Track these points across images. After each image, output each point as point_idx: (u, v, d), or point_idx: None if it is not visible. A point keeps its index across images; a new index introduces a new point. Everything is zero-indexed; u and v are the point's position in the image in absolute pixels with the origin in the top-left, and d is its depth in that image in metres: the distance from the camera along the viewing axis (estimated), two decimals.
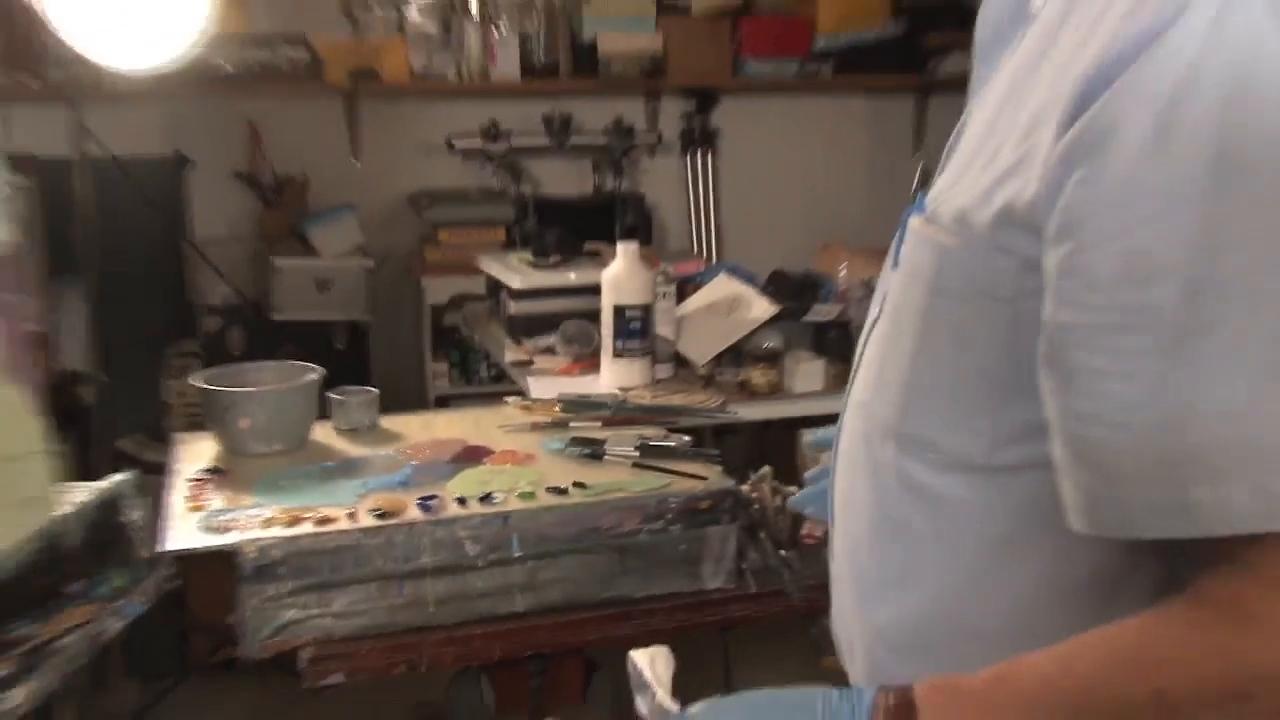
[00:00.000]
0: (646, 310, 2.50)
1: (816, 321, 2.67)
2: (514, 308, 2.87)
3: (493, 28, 3.79)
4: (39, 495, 1.29)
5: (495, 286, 3.11)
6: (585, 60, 3.91)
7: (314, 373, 2.01)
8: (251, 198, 3.71)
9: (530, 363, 2.69)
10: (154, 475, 1.79)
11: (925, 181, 1.12)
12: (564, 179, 4.12)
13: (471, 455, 1.93)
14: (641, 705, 0.99)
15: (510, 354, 2.76)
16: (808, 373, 2.54)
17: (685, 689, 0.99)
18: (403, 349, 3.83)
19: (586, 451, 1.93)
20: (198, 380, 1.94)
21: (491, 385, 3.76)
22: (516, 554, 1.67)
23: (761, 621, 1.82)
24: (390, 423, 2.12)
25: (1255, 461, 0.77)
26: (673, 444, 1.96)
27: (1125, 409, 0.79)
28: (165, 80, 2.22)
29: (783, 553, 1.84)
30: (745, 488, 1.87)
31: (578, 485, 1.77)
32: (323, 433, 2.05)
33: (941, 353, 0.95)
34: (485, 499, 1.72)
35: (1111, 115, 0.78)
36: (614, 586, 1.72)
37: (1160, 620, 0.83)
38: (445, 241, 3.73)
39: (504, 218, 3.82)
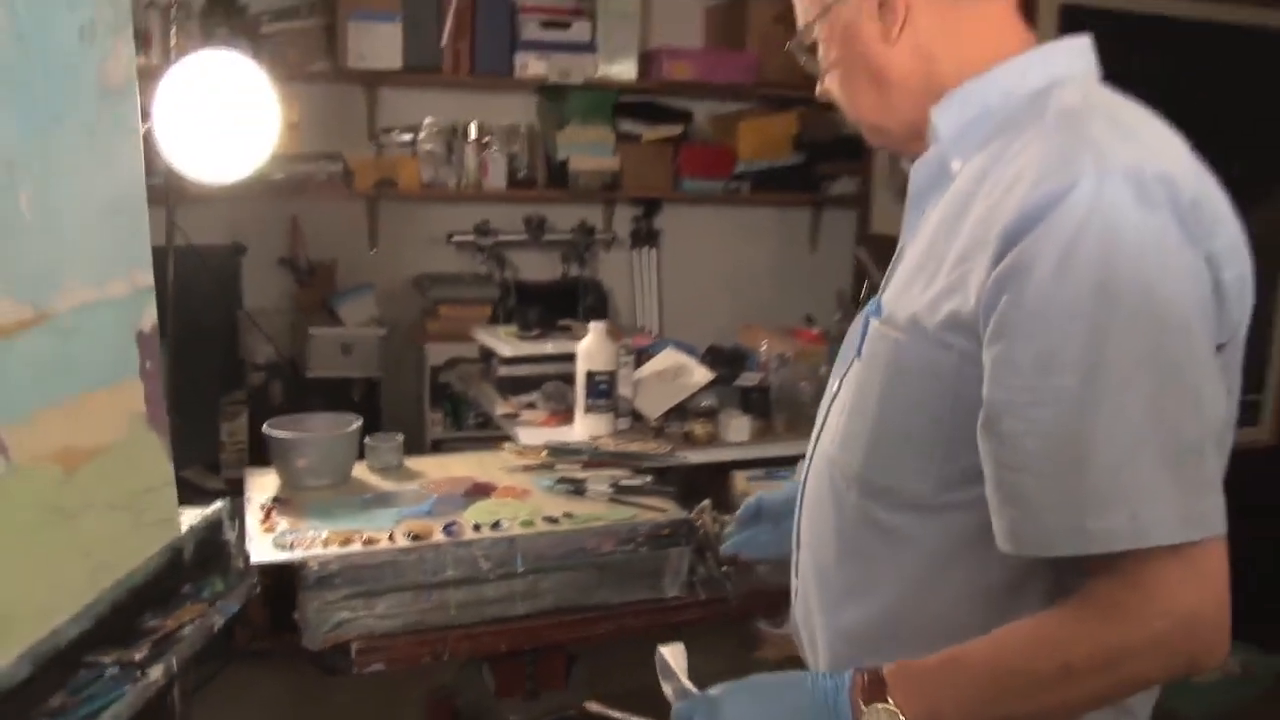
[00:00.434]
0: (612, 375, 2.56)
1: (743, 386, 2.75)
2: (503, 371, 2.93)
3: (486, 149, 3.87)
4: (168, 518, 1.33)
5: (487, 353, 3.15)
6: (558, 174, 3.97)
7: (355, 422, 2.06)
8: (290, 278, 3.75)
9: (517, 415, 2.73)
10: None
11: (871, 293, 1.21)
12: (538, 267, 4.16)
13: (480, 490, 1.98)
14: (667, 689, 1.03)
15: (500, 409, 2.81)
16: (737, 427, 2.61)
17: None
18: (406, 400, 3.85)
19: (571, 488, 1.99)
20: (268, 429, 1.99)
21: (477, 431, 3.78)
22: (520, 569, 1.73)
23: (707, 622, 1.88)
24: (412, 463, 2.16)
25: (1130, 499, 0.87)
26: (638, 483, 2.03)
27: (1040, 461, 0.89)
28: (232, 186, 2.27)
29: (724, 569, 1.91)
30: (692, 516, 1.94)
31: (567, 515, 1.83)
32: (360, 470, 2.08)
33: (898, 420, 1.03)
34: (495, 525, 1.77)
35: (1028, 256, 0.89)
36: (595, 595, 1.78)
37: (1063, 615, 0.92)
38: (444, 315, 3.77)
39: (491, 297, 3.87)
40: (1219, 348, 0.95)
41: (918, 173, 1.12)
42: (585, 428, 2.54)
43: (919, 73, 1.09)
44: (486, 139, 3.85)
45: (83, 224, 1.18)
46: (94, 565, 1.18)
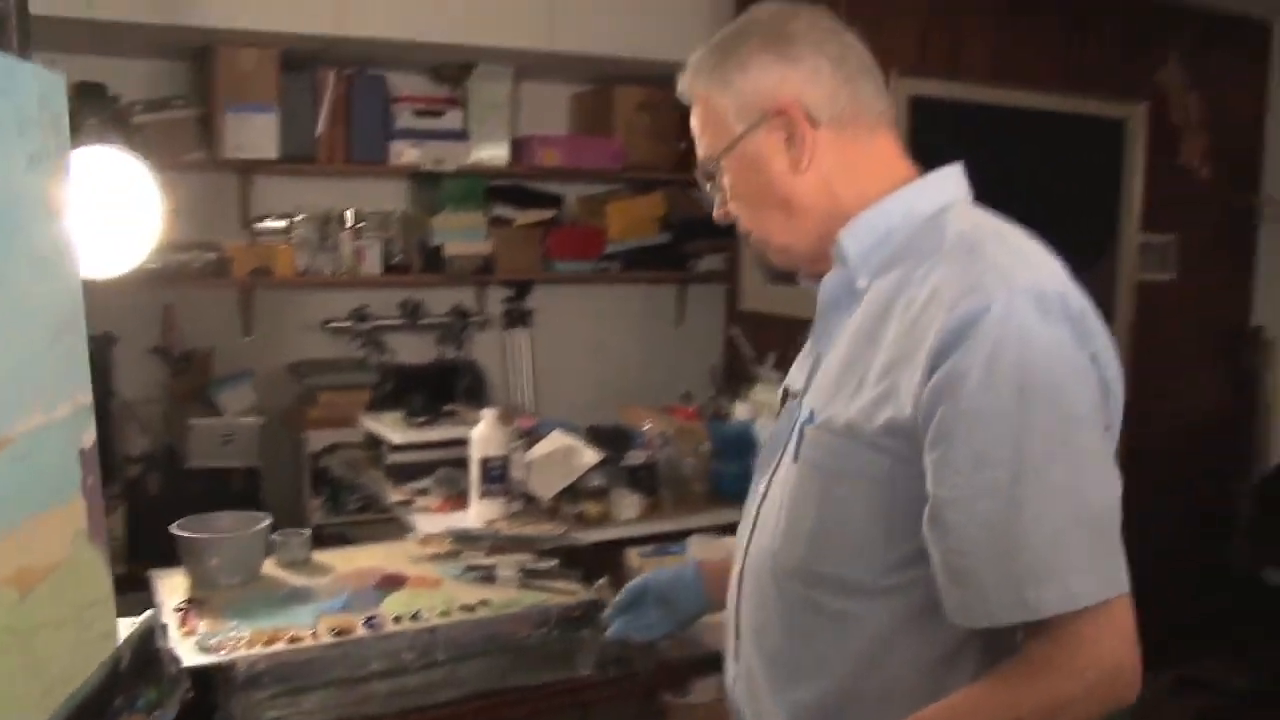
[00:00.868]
0: (505, 460, 2.64)
1: (630, 465, 2.86)
2: (392, 458, 2.97)
3: (361, 235, 3.91)
4: (110, 630, 1.35)
5: (373, 439, 3.19)
6: (433, 259, 4.02)
7: (265, 520, 2.07)
8: (164, 367, 3.69)
9: (411, 502, 2.78)
10: None
11: (784, 397, 1.33)
12: (414, 350, 4.18)
13: (392, 582, 2.00)
14: None
15: (393, 495, 2.84)
16: (628, 505, 2.71)
17: None
18: (285, 488, 3.81)
19: (481, 576, 2.04)
20: (177, 530, 1.98)
21: (358, 516, 3.77)
22: (441, 658, 1.76)
23: (617, 700, 1.94)
24: (319, 556, 2.18)
25: (1060, 571, 1.01)
26: (545, 567, 2.10)
27: (982, 547, 1.02)
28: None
29: (627, 645, 1.98)
30: (600, 597, 2.01)
31: (483, 603, 1.88)
32: (268, 566, 2.09)
33: (839, 516, 1.14)
34: (414, 617, 1.81)
35: (958, 371, 1.03)
36: (512, 678, 1.82)
37: (1008, 676, 1.05)
38: (323, 401, 3.75)
39: (369, 382, 3.86)
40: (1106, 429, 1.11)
41: (826, 288, 1.25)
42: (481, 512, 2.60)
43: (823, 199, 1.23)
44: (361, 225, 3.88)
45: (35, 350, 1.22)
46: (45, 685, 1.20)
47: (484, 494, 2.61)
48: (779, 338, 3.57)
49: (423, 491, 2.82)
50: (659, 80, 4.21)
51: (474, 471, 2.61)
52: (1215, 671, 3.60)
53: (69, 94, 1.33)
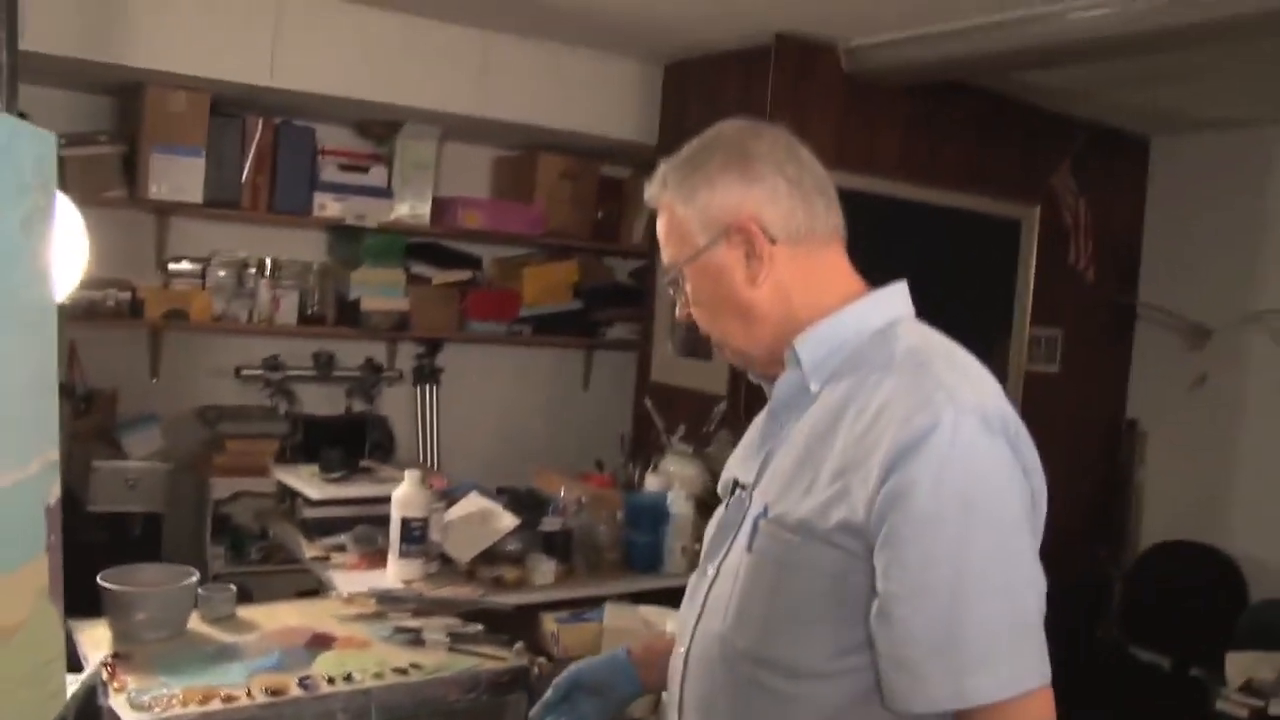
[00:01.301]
0: (425, 521, 2.66)
1: (546, 531, 2.89)
2: (309, 513, 2.95)
3: (278, 284, 3.90)
4: (60, 688, 1.35)
5: (287, 493, 3.16)
6: (348, 312, 4.04)
7: (193, 574, 2.06)
8: (66, 405, 3.60)
9: (328, 559, 2.76)
10: None
11: (733, 487, 1.40)
12: (322, 401, 4.16)
13: (321, 641, 2.01)
14: None
15: (309, 551, 2.83)
16: (544, 570, 2.74)
17: None
18: (186, 534, 3.75)
19: (410, 638, 2.07)
20: (103, 582, 1.96)
21: (258, 566, 3.74)
22: None
23: None
24: (243, 612, 2.17)
25: (995, 663, 1.10)
26: (471, 631, 2.13)
27: (926, 639, 1.11)
28: None
29: None
30: (527, 663, 2.04)
31: (415, 666, 1.91)
32: (193, 621, 2.08)
33: (790, 605, 1.21)
34: (348, 678, 1.83)
35: (908, 481, 1.12)
36: None
37: None
38: (230, 449, 3.72)
39: (279, 432, 3.84)
40: None
41: (780, 389, 1.34)
42: (399, 572, 2.61)
43: (779, 309, 1.32)
44: (279, 274, 3.88)
45: (15, 407, 1.23)
46: None
47: (403, 554, 2.61)
48: (688, 410, 3.67)
49: (339, 548, 2.81)
50: (582, 150, 4.34)
51: (394, 531, 2.62)
52: None
53: None
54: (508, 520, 2.82)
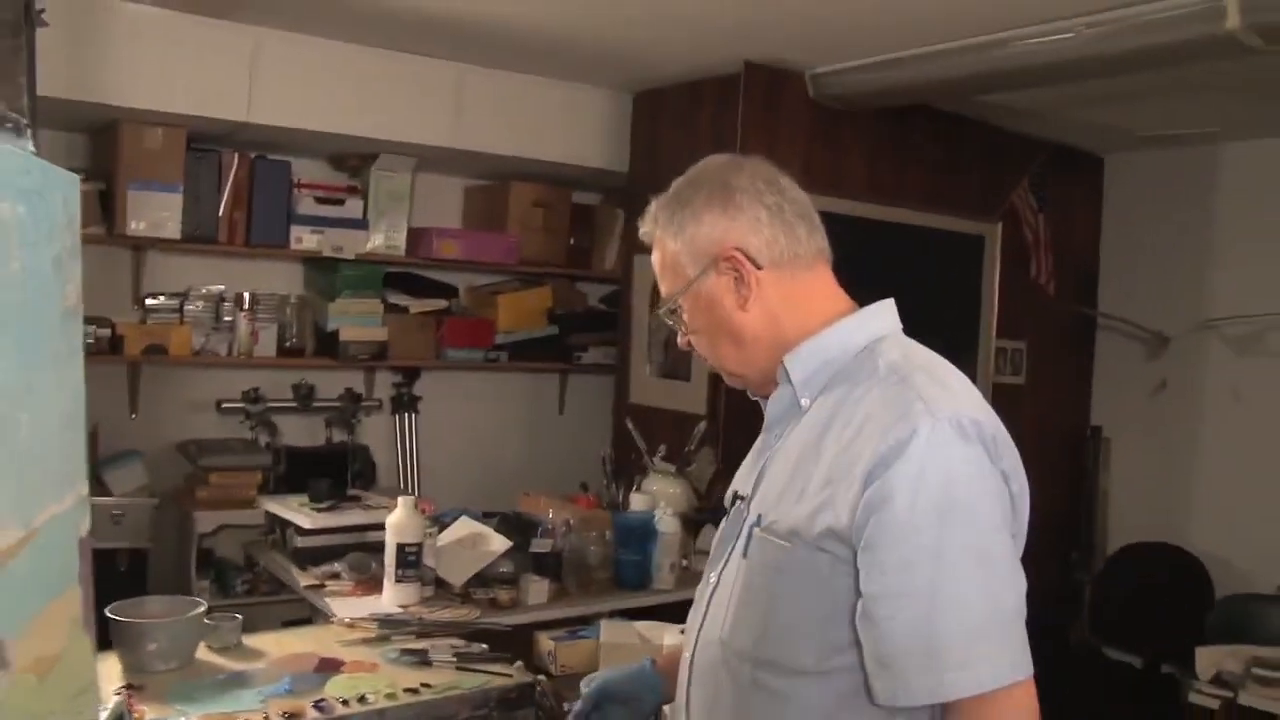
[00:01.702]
0: (420, 547, 2.69)
1: (537, 552, 2.94)
2: (300, 542, 2.97)
3: (257, 317, 3.92)
4: (94, 717, 1.37)
5: (276, 524, 3.18)
6: (326, 342, 4.06)
7: (200, 604, 2.09)
8: None
9: (323, 586, 2.78)
10: None
11: (733, 499, 1.46)
12: (302, 432, 4.18)
13: (330, 666, 2.05)
14: None
15: (302, 580, 2.85)
16: (536, 590, 2.78)
17: None
18: (171, 569, 3.74)
19: (416, 659, 2.11)
20: (112, 614, 1.98)
21: (244, 598, 3.73)
22: None
23: None
24: (249, 640, 2.20)
25: (972, 660, 1.16)
26: (476, 650, 2.17)
27: (906, 638, 1.18)
28: None
29: None
30: (534, 680, 2.08)
31: (425, 685, 1.95)
32: (201, 651, 2.10)
33: (784, 608, 1.28)
34: (361, 700, 1.87)
35: (888, 489, 1.19)
36: None
37: None
38: (214, 482, 3.72)
39: (262, 464, 3.84)
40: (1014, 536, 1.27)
41: (774, 405, 1.42)
42: (395, 597, 2.64)
43: (769, 331, 1.39)
44: (257, 307, 3.90)
45: (51, 443, 1.26)
46: None
47: (399, 579, 2.64)
48: (668, 430, 3.73)
49: (333, 575, 2.83)
50: (554, 178, 4.40)
51: (390, 557, 2.65)
52: None
53: None
54: (499, 543, 2.87)
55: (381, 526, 2.76)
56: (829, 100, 3.81)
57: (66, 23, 3.14)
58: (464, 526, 2.96)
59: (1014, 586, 1.21)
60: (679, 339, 1.48)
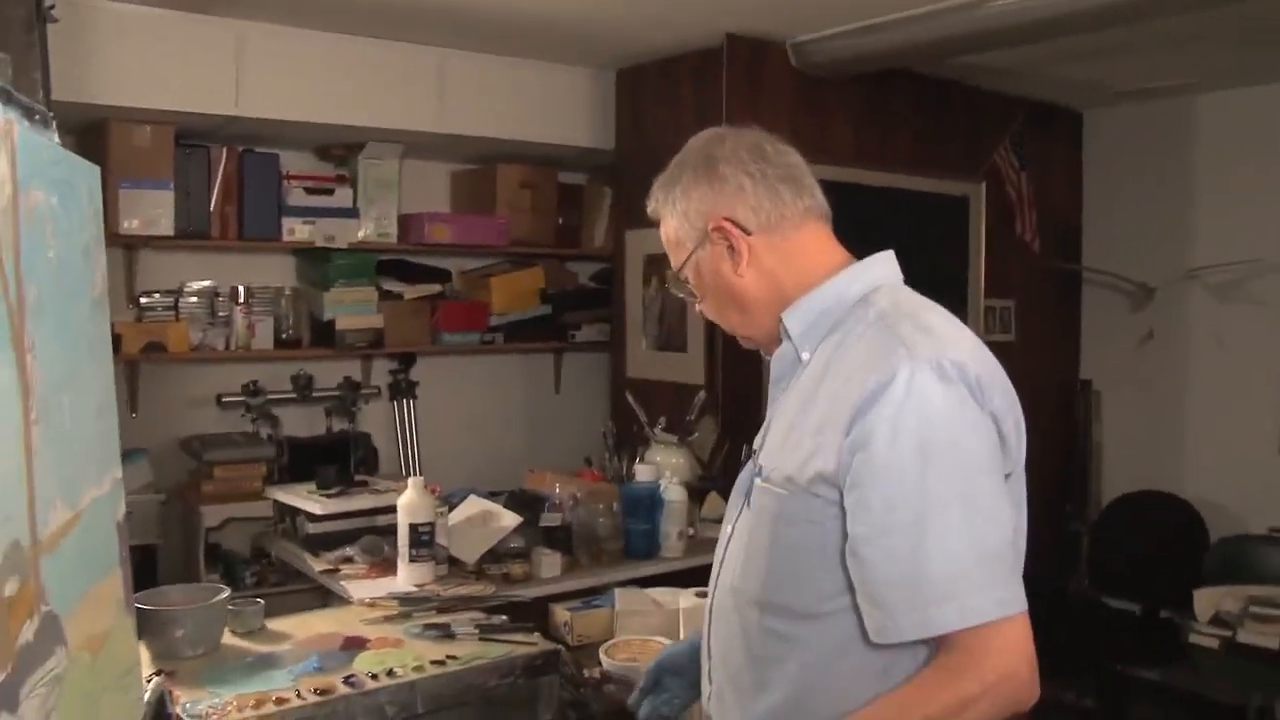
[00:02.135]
0: (432, 526, 2.72)
1: (547, 526, 2.97)
2: (312, 529, 3.00)
3: (252, 310, 3.93)
4: (140, 695, 1.40)
5: (285, 513, 3.20)
6: (323, 333, 4.08)
7: (224, 590, 2.12)
8: None
9: (338, 571, 2.82)
10: None
11: (750, 455, 1.51)
12: (301, 423, 4.18)
13: (355, 644, 2.08)
14: None
15: (316, 565, 2.88)
16: (549, 564, 2.82)
17: None
18: (179, 564, 3.76)
19: (440, 634, 2.14)
20: (138, 603, 2.00)
21: (254, 590, 3.74)
22: (420, 711, 1.87)
23: None
24: (272, 624, 2.23)
25: (958, 595, 1.21)
26: (498, 621, 2.21)
27: (892, 575, 1.23)
28: None
29: (581, 690, 2.11)
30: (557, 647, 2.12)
31: (451, 657, 1.99)
32: (225, 636, 2.13)
33: (785, 553, 1.33)
34: (390, 673, 1.90)
35: (869, 428, 1.24)
36: None
37: (922, 680, 1.26)
38: (219, 476, 3.74)
39: (266, 456, 3.86)
40: (1007, 477, 1.31)
41: (777, 362, 1.47)
42: (410, 576, 2.67)
43: (769, 292, 1.44)
44: (252, 300, 3.91)
45: (89, 428, 1.29)
46: None
47: (413, 559, 2.67)
48: (667, 402, 3.77)
49: (347, 559, 2.87)
50: (540, 159, 4.42)
51: (403, 538, 2.68)
52: (1064, 692, 3.94)
53: None
54: (509, 519, 2.90)
55: (391, 510, 2.80)
56: (811, 69, 3.83)
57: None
58: (474, 505, 3.00)
59: (1000, 524, 1.25)
60: (696, 307, 1.54)
